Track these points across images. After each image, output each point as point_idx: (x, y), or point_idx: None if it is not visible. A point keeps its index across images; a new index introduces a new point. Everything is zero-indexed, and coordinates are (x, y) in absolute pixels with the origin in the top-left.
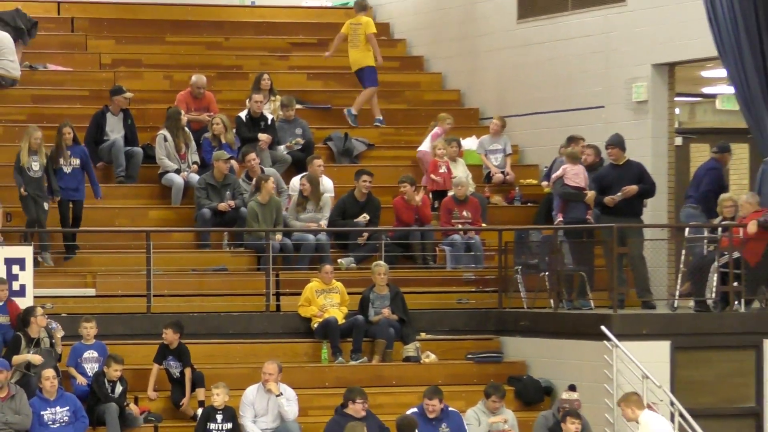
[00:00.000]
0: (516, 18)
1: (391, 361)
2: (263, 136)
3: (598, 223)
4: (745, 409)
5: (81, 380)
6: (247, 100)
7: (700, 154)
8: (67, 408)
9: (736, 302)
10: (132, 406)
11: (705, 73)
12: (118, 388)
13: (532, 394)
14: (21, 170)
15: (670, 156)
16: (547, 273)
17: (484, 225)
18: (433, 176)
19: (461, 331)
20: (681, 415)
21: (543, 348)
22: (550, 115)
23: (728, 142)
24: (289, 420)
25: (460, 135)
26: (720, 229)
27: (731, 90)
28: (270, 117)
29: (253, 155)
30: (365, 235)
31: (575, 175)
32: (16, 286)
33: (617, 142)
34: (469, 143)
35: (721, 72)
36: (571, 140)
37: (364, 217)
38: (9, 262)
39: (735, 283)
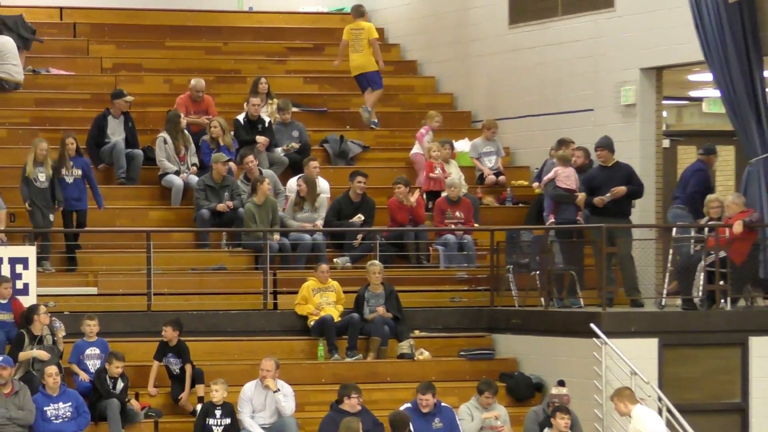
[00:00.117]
0: (507, 23)
1: (386, 358)
2: (261, 139)
3: (588, 224)
4: (731, 404)
5: (83, 377)
6: (245, 104)
7: (687, 156)
8: (70, 404)
9: (723, 301)
10: (133, 401)
11: (692, 77)
12: (120, 385)
13: (523, 390)
14: (27, 181)
15: (658, 158)
16: (537, 272)
17: (476, 225)
18: (431, 175)
19: (454, 329)
20: (668, 410)
21: (534, 345)
22: (540, 117)
23: (714, 145)
24: (287, 415)
25: (453, 137)
26: (706, 229)
27: (717, 93)
28: (267, 120)
29: (250, 157)
30: (360, 236)
31: (566, 178)
32: (19, 284)
33: (606, 145)
34: (462, 145)
35: (708, 76)
36: (562, 143)
37: (359, 218)
38: (13, 261)
39: (721, 282)
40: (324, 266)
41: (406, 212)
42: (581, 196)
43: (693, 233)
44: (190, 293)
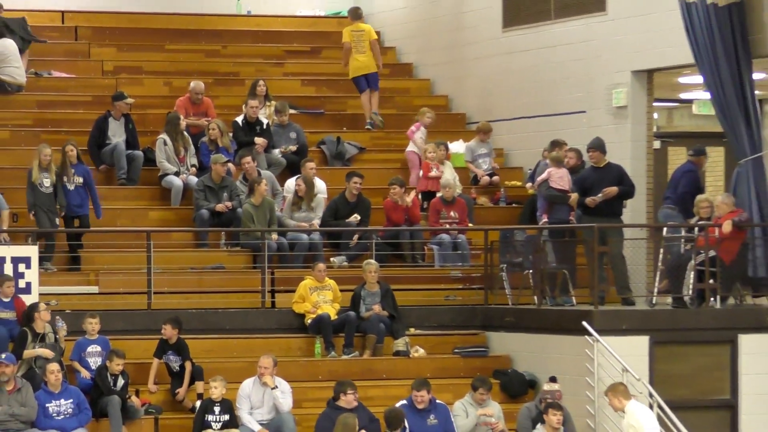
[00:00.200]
0: (501, 27)
1: (382, 355)
2: (259, 140)
3: (580, 223)
4: (720, 401)
5: (85, 374)
6: (244, 106)
7: (678, 157)
8: (71, 400)
9: (712, 299)
10: (133, 398)
11: (682, 80)
12: (120, 382)
13: (516, 387)
14: (33, 186)
15: (649, 159)
16: (531, 271)
17: (470, 225)
18: (429, 175)
19: (449, 327)
20: (659, 406)
21: (527, 343)
22: (533, 119)
23: (704, 146)
24: (284, 412)
25: (448, 139)
26: (696, 228)
27: (707, 96)
28: (265, 122)
29: (248, 159)
30: (356, 235)
31: (560, 178)
32: (22, 283)
33: (598, 146)
34: (456, 147)
35: (698, 78)
36: (555, 144)
37: (355, 218)
38: (15, 260)
39: (711, 281)
40: (321, 265)
41: (402, 212)
42: (574, 196)
43: (683, 233)
44: (189, 292)
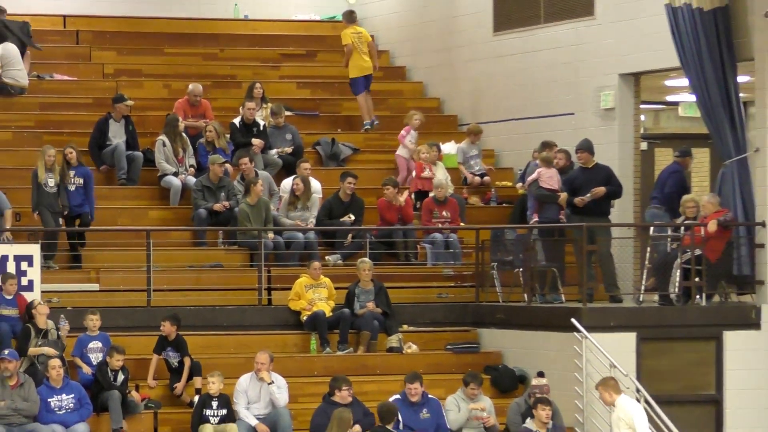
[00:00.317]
0: (492, 31)
1: (376, 351)
2: (256, 141)
3: (569, 223)
4: (706, 396)
5: (86, 369)
6: (241, 108)
7: (664, 158)
8: (73, 395)
9: (698, 296)
10: (133, 393)
11: (668, 82)
12: (120, 377)
13: (507, 383)
14: (38, 186)
15: (636, 160)
16: (521, 269)
17: (462, 224)
18: (422, 175)
19: (441, 324)
20: (646, 401)
21: (517, 339)
22: (523, 121)
23: (690, 147)
24: (280, 406)
25: (440, 140)
26: (683, 228)
27: (693, 98)
28: (262, 123)
29: (246, 160)
30: (350, 234)
31: (549, 178)
32: (24, 281)
33: (586, 147)
34: (448, 148)
35: (684, 81)
36: (546, 145)
37: (349, 217)
38: (18, 258)
39: (696, 279)
40: (316, 263)
41: (395, 212)
42: (563, 196)
43: (670, 232)
44: (188, 289)
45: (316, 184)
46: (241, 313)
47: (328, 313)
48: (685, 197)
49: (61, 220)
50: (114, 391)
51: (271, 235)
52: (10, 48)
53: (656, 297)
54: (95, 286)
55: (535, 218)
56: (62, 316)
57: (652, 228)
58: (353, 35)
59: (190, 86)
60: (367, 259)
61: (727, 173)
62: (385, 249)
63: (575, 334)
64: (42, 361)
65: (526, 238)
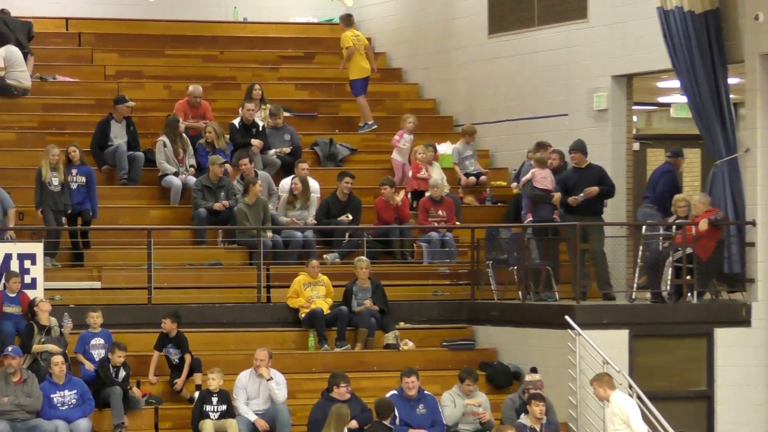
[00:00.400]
0: (487, 33)
1: (373, 348)
2: (255, 142)
3: (563, 222)
4: (697, 392)
5: (88, 366)
6: (240, 109)
7: (656, 158)
8: (75, 391)
9: (689, 294)
10: (135, 389)
11: (660, 84)
12: (122, 373)
13: (502, 379)
14: (42, 185)
15: (628, 160)
16: (515, 267)
17: (458, 223)
18: (418, 175)
19: (437, 321)
20: (639, 397)
21: (512, 336)
22: (518, 122)
23: (681, 147)
24: (279, 402)
25: (436, 141)
26: (674, 227)
27: (684, 99)
28: (261, 124)
29: (246, 161)
30: (348, 233)
31: (543, 179)
32: (27, 279)
33: (579, 147)
34: (444, 148)
35: (675, 83)
36: (540, 146)
37: (347, 217)
38: (21, 257)
39: (688, 277)
40: (314, 262)
41: (392, 211)
42: (557, 195)
43: (661, 231)
44: (188, 287)
45: (314, 184)
46: (240, 310)
47: (326, 311)
48: (676, 197)
49: (63, 219)
50: (116, 387)
51: (269, 234)
52: (13, 50)
53: (648, 295)
54: (97, 284)
55: (529, 218)
56: (66, 314)
57: (644, 227)
58: (355, 38)
59: (191, 88)
60: (364, 258)
61: (718, 173)
62: (382, 248)
63: (569, 331)
64: (45, 357)
65: (521, 237)
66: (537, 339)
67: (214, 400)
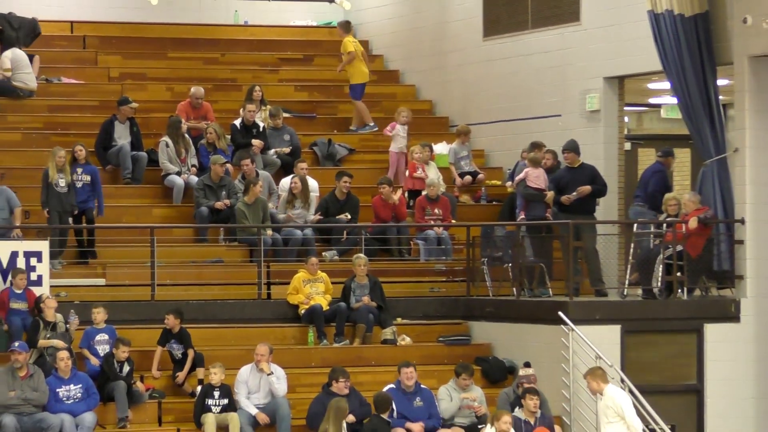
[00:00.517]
0: (482, 36)
1: (371, 343)
2: (256, 142)
3: (556, 220)
4: (687, 386)
5: (93, 361)
6: (241, 110)
7: (647, 158)
8: (80, 386)
9: (680, 290)
10: (138, 384)
11: (651, 86)
12: (126, 368)
13: (497, 373)
14: (48, 186)
15: (620, 159)
16: (510, 264)
17: (453, 221)
18: (414, 175)
19: (433, 317)
20: (630, 391)
21: (506, 332)
22: (512, 122)
23: (672, 147)
24: (279, 396)
25: (432, 141)
26: (665, 225)
27: (675, 100)
28: (261, 125)
29: (247, 161)
30: (346, 231)
31: (536, 178)
32: (33, 276)
33: (572, 147)
34: (440, 148)
35: (666, 84)
36: (535, 146)
37: (345, 215)
38: (27, 254)
39: (678, 274)
40: (313, 259)
41: (390, 209)
42: (550, 194)
43: (652, 229)
44: (190, 284)
45: (313, 183)
46: (241, 306)
47: (325, 307)
48: (667, 195)
49: (70, 221)
50: (120, 382)
51: (269, 232)
52: (19, 53)
53: (640, 291)
54: (102, 281)
55: (523, 216)
56: (72, 311)
57: (635, 225)
58: (355, 43)
59: (192, 89)
60: (362, 255)
61: (708, 172)
62: (379, 245)
63: (562, 326)
64: (51, 352)
65: (515, 235)
66: (531, 334)
67: (216, 394)
